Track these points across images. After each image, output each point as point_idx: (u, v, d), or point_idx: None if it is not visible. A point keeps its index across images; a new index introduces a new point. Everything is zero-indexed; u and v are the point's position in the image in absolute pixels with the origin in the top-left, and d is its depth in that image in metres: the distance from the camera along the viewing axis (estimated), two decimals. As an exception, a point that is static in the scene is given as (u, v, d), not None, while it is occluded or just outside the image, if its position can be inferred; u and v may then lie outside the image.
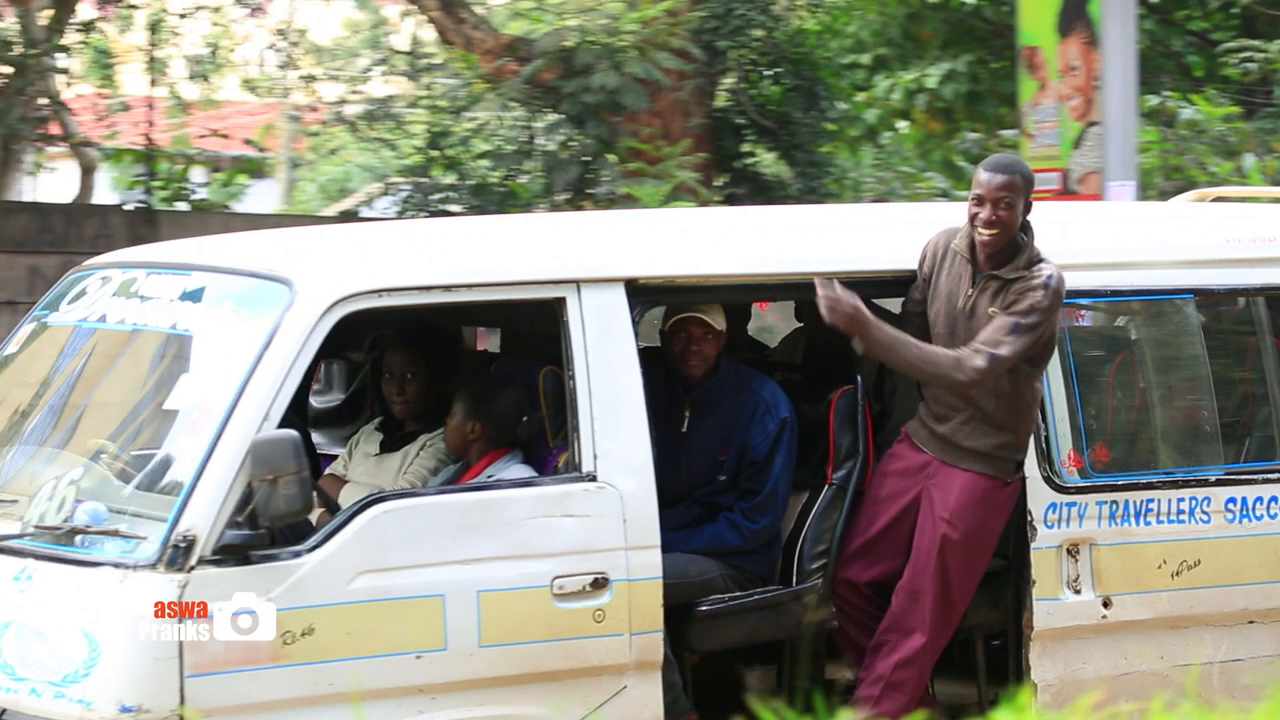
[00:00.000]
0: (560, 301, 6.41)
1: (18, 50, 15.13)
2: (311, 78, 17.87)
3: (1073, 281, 7.15)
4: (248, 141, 19.05)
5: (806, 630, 7.00)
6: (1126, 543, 7.16)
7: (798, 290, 7.02)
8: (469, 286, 6.35)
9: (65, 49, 15.92)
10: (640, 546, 6.40)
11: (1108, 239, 7.46)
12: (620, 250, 6.66)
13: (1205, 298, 7.54)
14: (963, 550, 6.88)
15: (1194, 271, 7.47)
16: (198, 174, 17.61)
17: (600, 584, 6.32)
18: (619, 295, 6.49)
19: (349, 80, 18.49)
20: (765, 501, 6.96)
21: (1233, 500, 7.33)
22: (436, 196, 15.74)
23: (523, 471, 6.56)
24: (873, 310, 7.13)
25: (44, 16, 15.71)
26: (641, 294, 6.59)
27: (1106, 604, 7.11)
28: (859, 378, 7.09)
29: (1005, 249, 6.78)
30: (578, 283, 6.44)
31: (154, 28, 17.15)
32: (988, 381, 6.70)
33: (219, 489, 5.82)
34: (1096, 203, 8.19)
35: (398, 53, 17.93)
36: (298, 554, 5.92)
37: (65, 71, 16.38)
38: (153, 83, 17.74)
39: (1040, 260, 6.79)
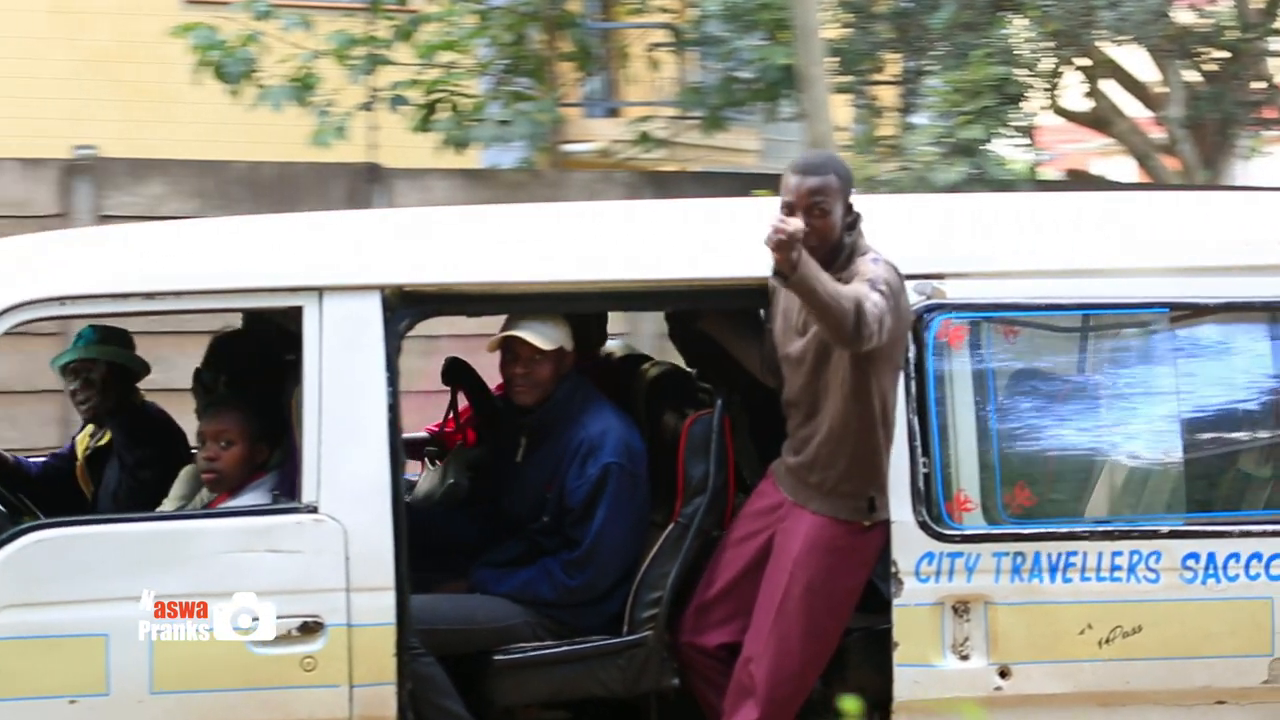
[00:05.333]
0: (297, 311, 5.75)
1: (1232, 35, 15.31)
2: None
3: (1003, 292, 6.07)
4: None
5: (638, 689, 6.13)
6: (1035, 602, 5.97)
7: (613, 300, 6.13)
8: (178, 294, 5.75)
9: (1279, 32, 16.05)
10: (367, 588, 5.68)
11: (1058, 242, 6.22)
12: (378, 254, 5.91)
13: (1188, 312, 6.22)
14: (805, 606, 5.87)
15: (1175, 280, 6.15)
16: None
17: (311, 628, 5.64)
18: (371, 304, 5.77)
19: None
20: (585, 557, 6.12)
21: (1194, 556, 6.03)
22: None
23: (264, 500, 5.92)
24: (738, 322, 6.25)
25: (1259, 0, 15.83)
26: (412, 303, 5.85)
27: (1004, 673, 5.96)
28: (720, 401, 6.17)
29: (826, 256, 5.73)
30: (320, 290, 5.76)
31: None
32: (881, 331, 5.52)
33: None
34: (1074, 195, 6.85)
35: None
36: (-76, 585, 5.49)
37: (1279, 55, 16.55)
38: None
39: (864, 253, 5.73)
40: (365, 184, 12.05)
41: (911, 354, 5.94)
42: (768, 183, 11.42)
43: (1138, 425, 6.20)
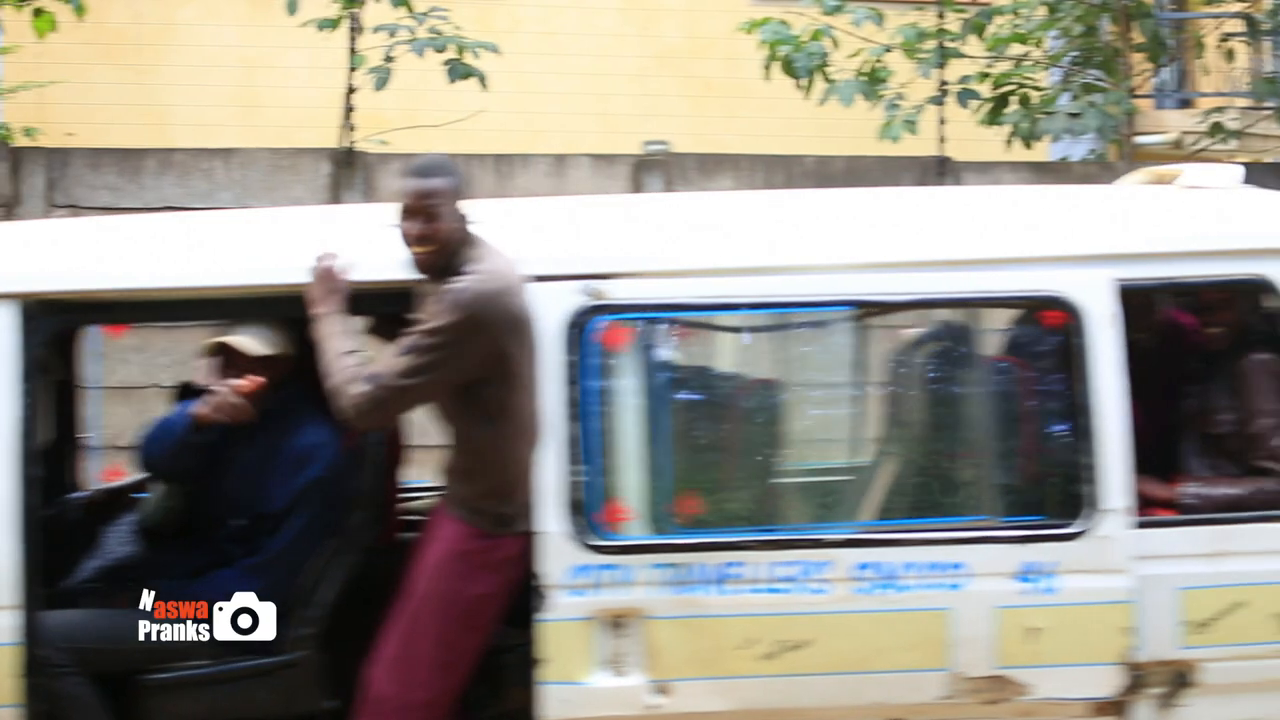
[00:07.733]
0: None
1: None
2: None
3: (669, 292, 5.82)
4: None
5: (292, 710, 5.92)
6: (695, 616, 5.72)
7: (261, 308, 5.88)
8: None
9: None
10: None
11: (729, 241, 5.96)
12: (17, 262, 5.73)
13: (874, 311, 5.96)
14: (435, 612, 5.66)
15: (857, 278, 5.87)
16: None
17: (-78, 649, 5.48)
18: (7, 313, 5.61)
19: None
20: (265, 564, 5.91)
21: (866, 566, 5.77)
22: None
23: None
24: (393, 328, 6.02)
25: None
26: (54, 311, 5.68)
27: (663, 690, 5.72)
28: None
29: (444, 266, 5.54)
30: None
31: None
32: (376, 416, 5.45)
33: None
34: (754, 194, 6.58)
35: None
36: None
37: None
38: None
39: (465, 271, 5.53)
40: (935, 177, 11.96)
41: (567, 357, 5.71)
42: None
43: (815, 429, 5.97)
